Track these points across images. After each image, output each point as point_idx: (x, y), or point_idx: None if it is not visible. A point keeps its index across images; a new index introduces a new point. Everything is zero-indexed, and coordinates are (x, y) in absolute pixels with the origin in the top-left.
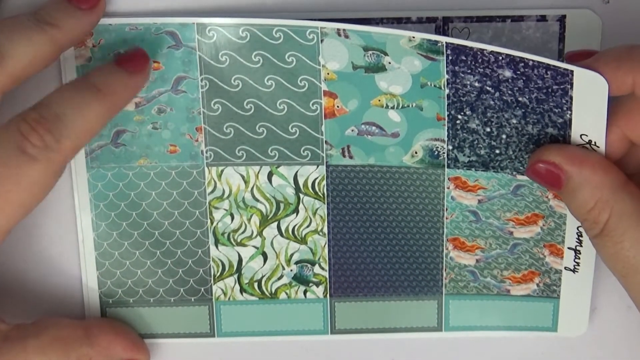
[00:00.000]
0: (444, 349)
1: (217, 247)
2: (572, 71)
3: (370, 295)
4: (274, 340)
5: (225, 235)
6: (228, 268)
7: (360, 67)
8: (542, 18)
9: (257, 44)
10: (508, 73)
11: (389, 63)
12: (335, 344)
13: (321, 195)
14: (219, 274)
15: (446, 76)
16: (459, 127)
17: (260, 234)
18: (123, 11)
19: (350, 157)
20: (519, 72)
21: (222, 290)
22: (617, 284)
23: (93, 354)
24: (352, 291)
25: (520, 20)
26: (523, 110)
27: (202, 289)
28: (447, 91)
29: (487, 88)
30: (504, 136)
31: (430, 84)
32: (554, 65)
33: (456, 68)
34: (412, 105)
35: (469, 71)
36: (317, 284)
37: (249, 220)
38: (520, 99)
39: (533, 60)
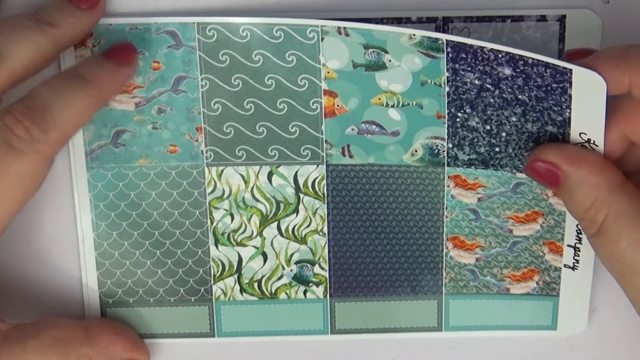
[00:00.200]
0: (444, 349)
1: (217, 247)
2: (570, 70)
3: (370, 295)
4: (274, 340)
5: (225, 235)
6: (228, 268)
7: (361, 65)
8: (542, 18)
9: (258, 43)
10: (508, 71)
11: (390, 61)
12: (335, 344)
13: (321, 195)
14: (219, 274)
15: (446, 74)
16: (459, 125)
17: (260, 234)
18: (123, 11)
19: (350, 157)
20: (518, 70)
21: (222, 290)
22: (616, 283)
23: (93, 354)
24: (352, 291)
25: (520, 20)
26: (523, 108)
27: (202, 289)
28: (447, 89)
29: (487, 86)
30: (503, 134)
31: (431, 82)
32: (553, 64)
33: (456, 66)
34: (412, 104)
35: (469, 69)
36: (317, 284)
37: (249, 220)
38: (519, 96)
39: (532, 59)
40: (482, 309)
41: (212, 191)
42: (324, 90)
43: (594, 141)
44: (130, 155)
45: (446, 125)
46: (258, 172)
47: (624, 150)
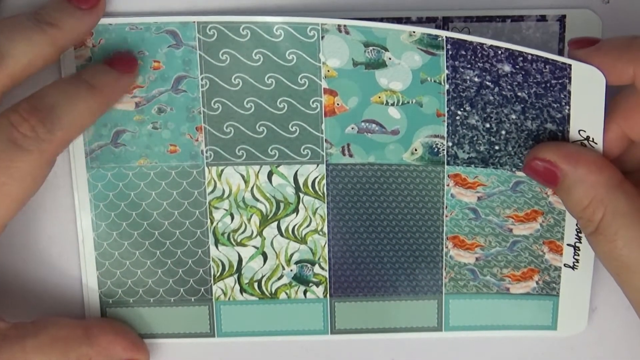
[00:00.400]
0: (444, 349)
1: (217, 247)
2: (570, 65)
3: (370, 295)
4: (274, 340)
5: (225, 235)
6: (228, 268)
7: (361, 63)
8: (542, 18)
9: (258, 42)
10: (507, 67)
11: (390, 59)
12: (335, 344)
13: (321, 195)
14: (219, 274)
15: (446, 71)
16: (458, 123)
17: (260, 233)
18: (123, 11)
19: (350, 156)
20: (518, 67)
21: (222, 290)
22: (616, 283)
23: (92, 354)
24: (352, 291)
25: (520, 20)
26: (522, 106)
27: (202, 289)
28: (447, 87)
29: (487, 83)
30: (503, 132)
31: (430, 80)
32: (552, 59)
33: (456, 63)
34: (412, 102)
35: (469, 66)
36: (317, 284)
37: (249, 220)
38: (519, 94)
39: (532, 55)
40: (482, 309)
41: (212, 191)
42: (324, 89)
43: (593, 139)
44: (130, 155)
45: (446, 124)
46: (258, 172)
47: (624, 149)
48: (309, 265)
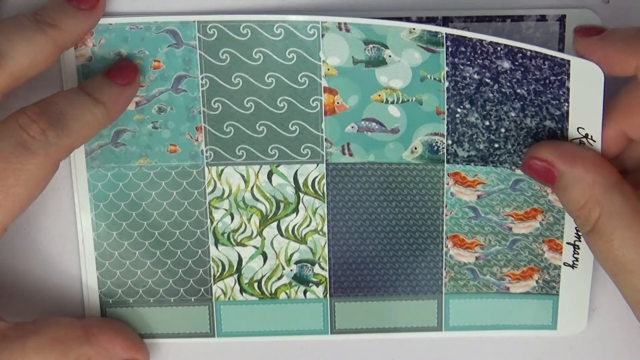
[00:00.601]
0: (444, 349)
1: (217, 247)
2: (568, 61)
3: (370, 295)
4: (274, 340)
5: (225, 235)
6: (228, 268)
7: (361, 61)
8: (542, 18)
9: (258, 41)
10: (506, 64)
11: (390, 56)
12: (335, 344)
13: (321, 194)
14: (219, 274)
15: (446, 68)
16: (458, 121)
17: (260, 233)
18: (123, 11)
19: (350, 155)
20: (517, 63)
21: (222, 290)
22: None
23: (92, 354)
24: (352, 291)
25: (520, 20)
26: (521, 103)
27: (202, 289)
28: (446, 84)
29: (486, 80)
30: (502, 130)
31: (430, 77)
32: (551, 55)
33: (456, 60)
34: (412, 100)
35: (468, 63)
36: (317, 284)
37: (249, 220)
38: (518, 91)
39: (531, 51)
40: (482, 309)
41: (212, 191)
42: (324, 87)
43: (591, 136)
44: (130, 155)
45: (445, 121)
46: (258, 172)
47: (623, 148)
48: (309, 265)
